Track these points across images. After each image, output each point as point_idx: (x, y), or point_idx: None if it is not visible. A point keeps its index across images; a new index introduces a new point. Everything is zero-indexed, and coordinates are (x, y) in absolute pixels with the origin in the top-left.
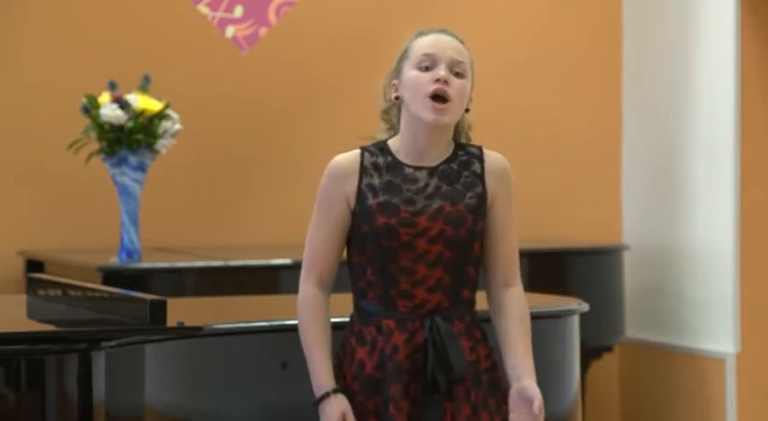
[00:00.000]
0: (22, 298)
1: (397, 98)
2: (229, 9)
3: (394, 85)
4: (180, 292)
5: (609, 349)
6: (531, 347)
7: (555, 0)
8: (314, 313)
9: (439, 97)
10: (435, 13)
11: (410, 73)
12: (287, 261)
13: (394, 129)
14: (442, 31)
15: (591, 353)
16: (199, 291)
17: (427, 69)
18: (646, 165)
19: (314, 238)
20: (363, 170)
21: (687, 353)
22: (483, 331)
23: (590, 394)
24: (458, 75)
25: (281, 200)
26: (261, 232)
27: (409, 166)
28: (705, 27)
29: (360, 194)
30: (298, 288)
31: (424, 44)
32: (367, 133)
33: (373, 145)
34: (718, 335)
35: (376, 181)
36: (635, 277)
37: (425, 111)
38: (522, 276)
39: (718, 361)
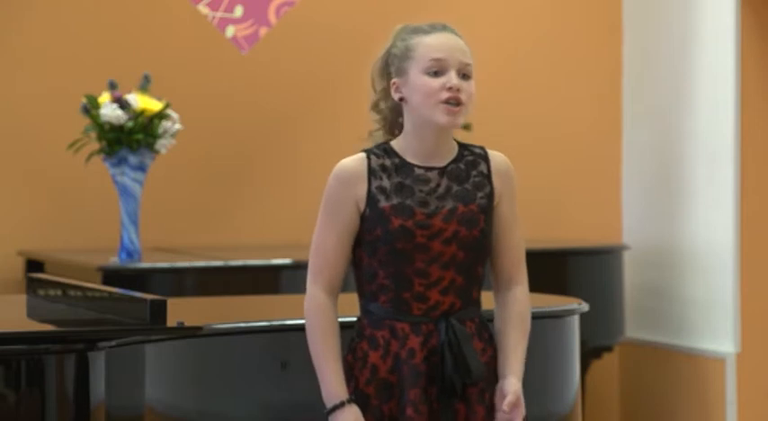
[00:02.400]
0: (22, 298)
1: (401, 99)
2: (229, 9)
3: (395, 84)
4: (180, 292)
5: (609, 349)
6: (526, 345)
7: (555, 0)
8: (323, 321)
9: (451, 103)
10: (435, 13)
11: (419, 78)
12: (287, 261)
13: (385, 121)
14: (444, 28)
15: (591, 353)
16: (199, 291)
17: (436, 74)
18: (646, 165)
19: (321, 244)
20: (371, 172)
21: (687, 353)
22: (489, 332)
23: (590, 394)
24: (465, 76)
25: (281, 200)
26: (261, 232)
27: (419, 167)
28: (705, 27)
29: (370, 197)
30: (298, 288)
31: (432, 47)
32: (366, 133)
33: (376, 147)
34: (718, 335)
35: (386, 183)
36: (635, 277)
37: (440, 114)
38: None
39: (718, 361)
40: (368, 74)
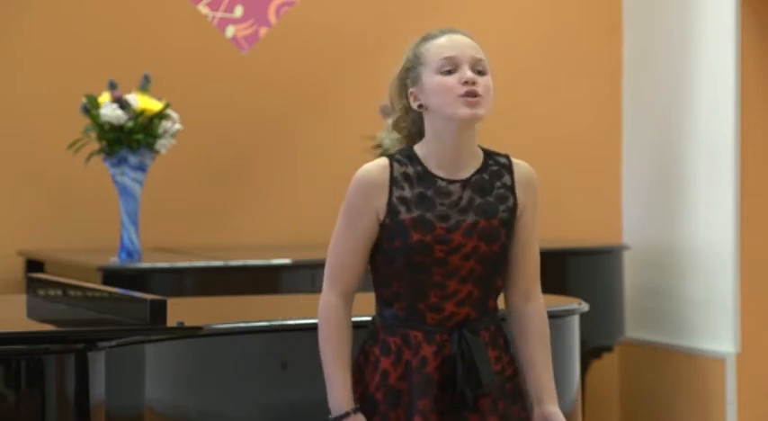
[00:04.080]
0: (22, 298)
1: (420, 106)
2: (229, 9)
3: (412, 93)
4: (180, 292)
5: (609, 349)
6: (550, 365)
7: (555, 0)
8: (337, 328)
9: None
10: (435, 14)
11: (433, 79)
12: (287, 261)
13: (409, 139)
14: (452, 30)
15: (591, 353)
16: (199, 291)
17: (450, 72)
18: (646, 165)
19: (340, 250)
20: (393, 181)
21: (687, 353)
22: (505, 337)
23: (590, 394)
24: (480, 72)
25: (281, 200)
26: (261, 232)
27: (442, 179)
28: (705, 27)
29: (391, 207)
30: (298, 288)
31: (441, 47)
32: (366, 133)
33: (399, 153)
34: (718, 335)
35: (408, 193)
36: (635, 277)
37: (460, 108)
38: None
39: (718, 361)
40: (368, 74)
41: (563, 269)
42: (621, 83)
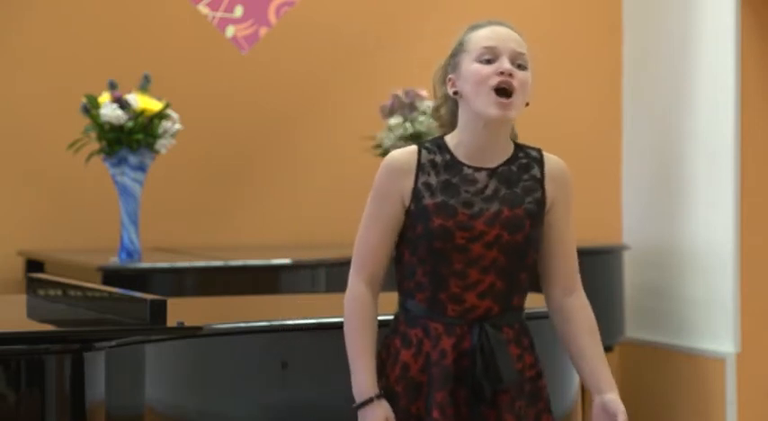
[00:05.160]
0: (22, 298)
1: (455, 93)
2: (229, 9)
3: (450, 79)
4: (180, 292)
5: (609, 349)
6: (603, 355)
7: (555, 0)
8: (363, 316)
9: (503, 91)
10: (435, 14)
11: (471, 66)
12: (287, 261)
13: (445, 127)
14: (499, 23)
15: None
16: (199, 291)
17: (489, 62)
18: (646, 165)
19: (366, 235)
20: (420, 167)
21: (687, 353)
22: (531, 338)
23: (590, 394)
24: (520, 67)
25: (281, 200)
26: (261, 232)
27: (468, 167)
28: (705, 27)
29: (416, 193)
30: (298, 288)
31: (484, 36)
32: (366, 133)
33: (430, 141)
34: (718, 335)
35: (433, 180)
36: (635, 277)
37: (490, 106)
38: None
39: (718, 361)
40: (367, 74)
41: None
42: (621, 83)
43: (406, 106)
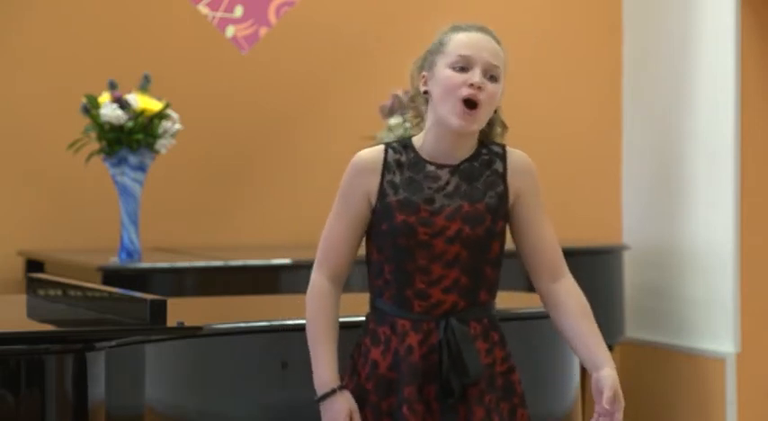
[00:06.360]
0: (22, 298)
1: (425, 92)
2: (229, 9)
3: (424, 77)
4: (180, 292)
5: (609, 349)
6: (598, 333)
7: (555, 0)
8: (322, 305)
9: (469, 102)
10: (435, 14)
11: (444, 71)
12: (287, 261)
13: (421, 117)
14: (481, 29)
15: None
16: (199, 291)
17: (462, 70)
18: (646, 165)
19: (330, 232)
20: (386, 166)
21: (687, 353)
22: (501, 333)
23: (590, 394)
24: (492, 78)
25: (281, 200)
26: (261, 232)
27: (431, 164)
28: (705, 27)
29: (381, 191)
30: (298, 288)
31: (461, 43)
32: (366, 133)
33: (397, 142)
34: (718, 335)
35: (397, 178)
36: (635, 277)
37: (454, 116)
38: (522, 276)
39: (718, 361)
40: (367, 74)
41: None
42: (621, 83)
43: (405, 106)
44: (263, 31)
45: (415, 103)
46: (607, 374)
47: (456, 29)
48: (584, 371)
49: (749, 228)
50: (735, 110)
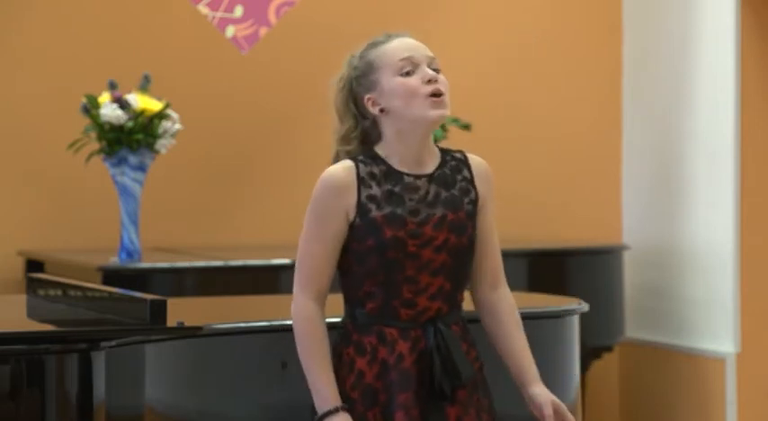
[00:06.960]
0: (22, 298)
1: (382, 110)
2: (229, 9)
3: (370, 99)
4: (180, 292)
5: (609, 349)
6: (529, 346)
7: (555, 0)
8: (314, 331)
9: (435, 96)
10: (435, 14)
11: (395, 82)
12: (287, 261)
13: (357, 151)
14: (397, 34)
15: (591, 354)
16: (199, 291)
17: (408, 74)
18: (646, 165)
19: (309, 253)
20: (361, 181)
21: (687, 353)
22: (470, 333)
23: (590, 394)
24: (436, 71)
25: (281, 200)
26: (261, 232)
27: (408, 175)
28: (705, 27)
29: (360, 206)
30: None
31: (396, 49)
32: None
33: (362, 155)
34: (718, 335)
35: (376, 191)
36: (635, 277)
37: (428, 111)
38: (522, 276)
39: (718, 361)
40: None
41: (563, 269)
42: (621, 83)
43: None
44: (263, 31)
45: (353, 134)
46: (539, 391)
47: (374, 44)
48: (583, 372)
49: (749, 228)
50: (735, 110)
